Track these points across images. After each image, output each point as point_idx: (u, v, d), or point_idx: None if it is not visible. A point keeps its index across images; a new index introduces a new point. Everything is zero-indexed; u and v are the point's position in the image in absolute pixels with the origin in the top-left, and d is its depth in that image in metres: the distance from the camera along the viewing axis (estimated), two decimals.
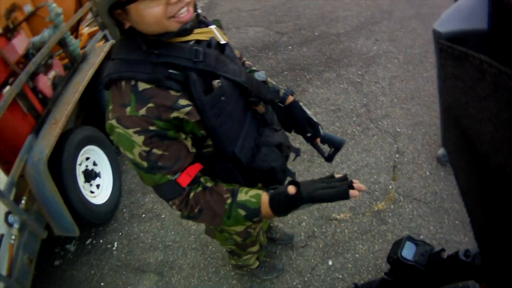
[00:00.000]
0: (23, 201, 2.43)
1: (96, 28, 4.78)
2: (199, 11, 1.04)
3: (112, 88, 0.99)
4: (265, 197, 1.06)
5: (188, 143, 1.05)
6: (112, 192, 2.98)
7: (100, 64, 3.27)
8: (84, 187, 2.76)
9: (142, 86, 0.95)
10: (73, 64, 3.30)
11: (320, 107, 3.29)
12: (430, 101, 3.21)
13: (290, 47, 4.18)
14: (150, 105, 0.94)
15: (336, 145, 1.50)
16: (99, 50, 3.48)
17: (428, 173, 2.62)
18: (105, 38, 3.92)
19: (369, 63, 3.75)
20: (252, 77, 1.18)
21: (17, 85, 2.57)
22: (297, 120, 1.41)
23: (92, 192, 2.86)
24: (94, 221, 2.69)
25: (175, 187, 1.03)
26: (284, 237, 2.31)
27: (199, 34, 1.05)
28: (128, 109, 0.94)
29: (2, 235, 2.28)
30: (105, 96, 3.31)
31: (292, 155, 1.32)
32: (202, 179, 1.08)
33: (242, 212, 1.05)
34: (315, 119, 1.45)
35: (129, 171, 3.26)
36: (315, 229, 2.40)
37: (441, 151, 2.71)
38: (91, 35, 4.54)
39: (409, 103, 3.21)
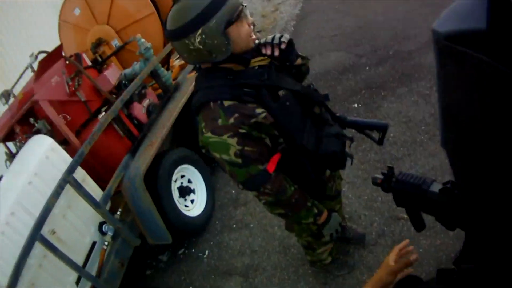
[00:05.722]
0: (118, 213, 2.75)
1: None
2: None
3: (203, 110, 1.33)
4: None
5: (267, 140, 1.36)
6: (205, 206, 3.23)
7: (192, 92, 3.39)
8: (179, 202, 3.02)
9: (226, 103, 1.28)
10: (166, 93, 3.59)
11: (393, 120, 3.45)
12: None
13: (367, 68, 4.38)
14: (236, 115, 1.27)
15: (383, 129, 1.67)
16: (191, 80, 3.65)
17: None
18: (195, 69, 4.12)
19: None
20: (304, 86, 1.50)
21: (113, 110, 2.89)
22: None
23: (186, 206, 3.13)
24: (188, 232, 2.98)
25: (265, 174, 1.32)
26: (357, 236, 2.45)
27: (260, 61, 1.39)
28: (219, 121, 1.27)
29: (95, 242, 2.63)
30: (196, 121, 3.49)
31: (348, 143, 1.57)
32: None
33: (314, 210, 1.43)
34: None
35: (222, 188, 3.55)
36: (385, 228, 2.51)
37: None
38: (182, 67, 4.73)
39: None
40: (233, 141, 1.25)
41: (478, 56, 0.41)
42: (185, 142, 3.52)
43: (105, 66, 3.86)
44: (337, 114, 1.63)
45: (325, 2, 6.95)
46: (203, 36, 1.21)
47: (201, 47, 1.23)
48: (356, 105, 3.82)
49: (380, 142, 1.68)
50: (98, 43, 4.24)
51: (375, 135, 1.69)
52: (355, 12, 6.03)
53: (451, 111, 0.56)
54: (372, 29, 5.31)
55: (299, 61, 1.52)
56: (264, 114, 1.30)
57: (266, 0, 8.26)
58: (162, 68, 3.78)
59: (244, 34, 1.28)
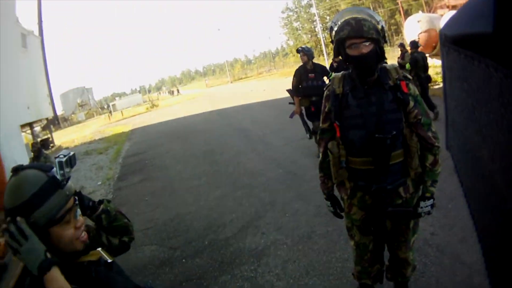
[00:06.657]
0: None
1: None
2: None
3: None
4: None
5: None
6: None
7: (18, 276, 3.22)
8: None
9: None
10: None
11: None
12: (325, 268, 3.38)
13: (184, 260, 4.25)
14: None
15: None
16: (16, 263, 3.44)
17: None
18: None
19: (260, 257, 3.89)
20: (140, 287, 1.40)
21: None
22: None
23: None
24: None
25: None
26: None
27: (90, 256, 1.27)
28: None
29: None
30: None
31: None
32: None
33: None
34: None
35: None
36: None
37: None
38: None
39: (305, 279, 3.33)
40: None
41: (485, 60, 0.40)
42: None
43: None
44: None
45: (134, 195, 7.17)
46: None
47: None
48: None
49: None
50: None
51: None
52: (166, 204, 6.23)
53: (456, 114, 0.56)
54: (184, 220, 5.38)
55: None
56: None
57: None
58: None
59: (67, 239, 1.17)
